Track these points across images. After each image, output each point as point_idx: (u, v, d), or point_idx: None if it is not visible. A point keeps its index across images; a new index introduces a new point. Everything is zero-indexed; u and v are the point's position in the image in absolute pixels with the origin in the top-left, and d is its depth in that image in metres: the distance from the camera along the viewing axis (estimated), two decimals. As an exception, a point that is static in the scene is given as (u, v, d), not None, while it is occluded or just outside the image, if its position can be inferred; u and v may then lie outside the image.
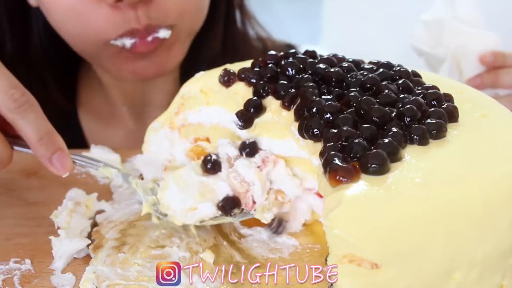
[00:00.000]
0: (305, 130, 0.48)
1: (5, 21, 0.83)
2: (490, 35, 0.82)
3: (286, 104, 0.52)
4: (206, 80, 0.59)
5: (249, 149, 0.54)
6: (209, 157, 0.55)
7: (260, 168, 0.53)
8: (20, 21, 0.84)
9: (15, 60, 0.83)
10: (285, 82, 0.53)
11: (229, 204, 0.53)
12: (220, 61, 0.64)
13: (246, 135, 0.57)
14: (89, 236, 0.55)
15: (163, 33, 0.73)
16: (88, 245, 0.53)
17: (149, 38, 0.72)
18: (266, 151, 0.54)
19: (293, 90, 0.52)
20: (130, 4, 0.68)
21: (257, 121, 0.54)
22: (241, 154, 0.54)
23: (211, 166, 0.55)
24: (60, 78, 0.88)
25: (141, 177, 0.65)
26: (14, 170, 0.67)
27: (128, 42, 0.72)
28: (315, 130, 0.47)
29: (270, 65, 0.56)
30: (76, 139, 0.89)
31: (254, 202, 0.53)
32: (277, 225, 0.55)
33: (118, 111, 0.92)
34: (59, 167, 0.53)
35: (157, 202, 0.55)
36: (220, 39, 0.90)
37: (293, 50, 0.58)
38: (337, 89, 0.51)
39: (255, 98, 0.54)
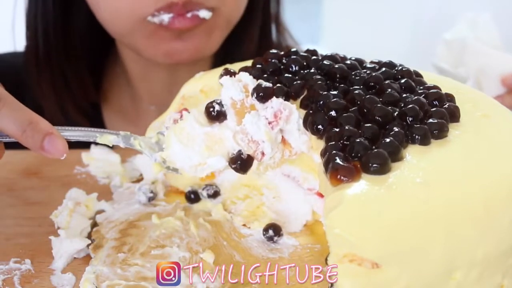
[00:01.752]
0: (309, 125, 0.48)
1: (51, 9, 0.83)
2: (511, 57, 0.85)
3: (293, 93, 0.52)
4: (207, 80, 0.59)
5: (263, 93, 0.50)
6: (212, 105, 0.51)
7: (271, 125, 0.49)
8: (64, 10, 0.84)
9: (58, 52, 0.83)
10: (290, 75, 0.53)
11: (243, 166, 0.50)
12: None
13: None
14: (89, 236, 0.55)
15: (203, 13, 0.71)
16: (88, 245, 0.53)
17: (188, 15, 0.70)
18: (280, 100, 0.49)
19: (299, 82, 0.52)
20: None
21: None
22: (252, 96, 0.50)
23: (216, 114, 0.51)
24: (91, 73, 0.88)
25: (141, 177, 0.65)
26: (14, 170, 0.67)
27: (166, 17, 0.71)
28: (319, 126, 0.47)
29: (272, 61, 0.56)
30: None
31: (263, 154, 0.50)
32: (274, 234, 0.55)
33: (143, 109, 0.92)
34: (53, 151, 0.50)
35: (164, 158, 0.52)
36: (255, 46, 0.89)
37: (294, 49, 0.58)
38: (342, 85, 0.51)
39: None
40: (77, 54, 0.86)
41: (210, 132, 0.50)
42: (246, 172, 0.51)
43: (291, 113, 0.49)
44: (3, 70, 0.91)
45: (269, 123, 0.49)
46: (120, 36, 0.79)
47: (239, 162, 0.50)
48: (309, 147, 0.51)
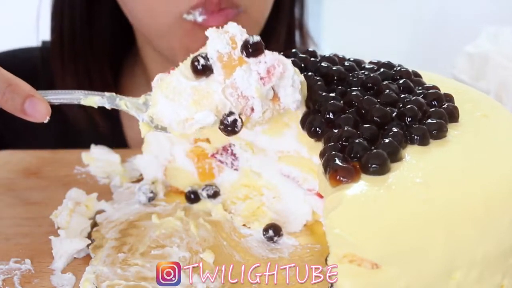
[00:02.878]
0: (306, 128, 0.48)
1: (78, 4, 0.83)
2: None
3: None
4: (206, 80, 0.59)
5: (253, 49, 0.46)
6: (197, 59, 0.48)
7: (263, 81, 0.46)
8: (89, 5, 0.84)
9: (82, 45, 0.84)
10: None
11: (231, 125, 0.48)
12: None
13: (246, 135, 0.57)
14: (89, 236, 0.55)
15: (235, 12, 0.71)
16: (88, 245, 0.53)
17: (221, 13, 0.70)
18: (273, 54, 0.47)
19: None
20: None
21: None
22: (242, 53, 0.47)
23: (202, 68, 0.47)
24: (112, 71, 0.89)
25: (141, 177, 0.65)
26: (14, 170, 0.67)
27: (199, 17, 0.71)
28: (317, 128, 0.47)
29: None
30: (115, 130, 0.89)
31: (252, 110, 0.48)
32: (274, 234, 0.55)
33: None
34: (35, 114, 0.48)
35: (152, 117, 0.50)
36: (280, 49, 0.89)
37: (294, 50, 0.58)
38: (340, 87, 0.51)
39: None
40: (101, 50, 0.86)
41: (197, 87, 0.47)
42: (234, 135, 0.49)
43: (285, 69, 0.47)
44: (16, 65, 0.92)
45: (261, 78, 0.46)
46: (156, 37, 0.79)
47: (228, 126, 0.48)
48: (298, 106, 0.49)
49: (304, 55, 0.57)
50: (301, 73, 0.54)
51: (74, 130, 0.86)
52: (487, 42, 0.93)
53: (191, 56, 0.49)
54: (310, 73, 0.53)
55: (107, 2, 0.81)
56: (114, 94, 0.52)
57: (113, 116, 0.88)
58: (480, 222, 0.40)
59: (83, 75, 0.85)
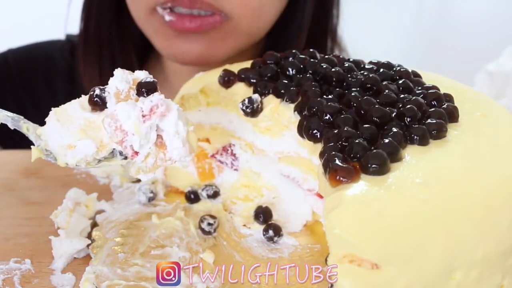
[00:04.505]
0: (304, 131, 0.48)
1: (107, 9, 0.85)
2: None
3: (287, 100, 0.52)
4: (206, 81, 0.59)
5: (146, 88, 0.46)
6: (94, 89, 0.47)
7: (144, 118, 0.45)
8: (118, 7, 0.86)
9: (110, 36, 0.86)
10: (286, 81, 0.53)
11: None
12: None
13: (246, 135, 0.57)
14: (89, 236, 0.55)
15: (213, 19, 0.70)
16: (88, 245, 0.53)
17: (195, 13, 0.70)
18: (162, 96, 0.46)
19: (294, 88, 0.52)
20: None
21: (256, 119, 0.54)
22: (138, 94, 0.47)
23: (97, 101, 0.47)
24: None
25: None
26: (14, 170, 0.67)
27: (167, 16, 0.71)
28: (315, 131, 0.47)
29: (270, 65, 0.56)
30: None
31: (135, 152, 0.47)
32: (274, 234, 0.55)
33: None
34: None
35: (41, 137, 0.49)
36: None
37: (293, 51, 0.58)
38: (338, 89, 0.51)
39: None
40: (127, 41, 0.87)
41: (89, 118, 0.47)
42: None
43: (169, 110, 0.46)
44: (39, 57, 0.96)
45: (143, 116, 0.45)
46: (141, 28, 0.80)
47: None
48: (182, 159, 0.47)
49: (303, 56, 0.57)
50: (300, 74, 0.54)
51: None
52: (509, 61, 0.94)
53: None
54: (308, 75, 0.53)
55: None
56: (21, 117, 0.51)
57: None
58: (480, 222, 0.40)
59: (107, 64, 0.86)
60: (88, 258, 0.52)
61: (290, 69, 0.54)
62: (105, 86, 0.47)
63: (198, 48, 0.74)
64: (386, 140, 0.43)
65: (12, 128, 0.51)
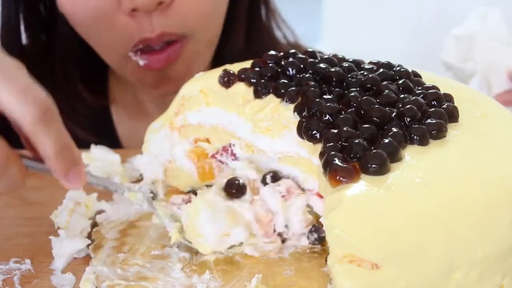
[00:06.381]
0: (304, 131, 0.48)
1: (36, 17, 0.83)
2: None
3: (287, 100, 0.52)
4: (206, 81, 0.59)
5: (271, 175, 0.55)
6: (234, 181, 0.55)
7: (285, 198, 0.53)
8: (50, 17, 0.84)
9: (48, 58, 0.84)
10: (286, 81, 0.53)
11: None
12: (244, 56, 0.63)
13: (247, 136, 0.57)
14: (89, 236, 0.55)
15: (180, 43, 0.72)
16: (88, 245, 0.53)
17: (163, 48, 0.71)
18: (289, 179, 0.54)
19: (293, 88, 0.52)
20: (145, 11, 0.67)
21: (256, 119, 0.54)
22: (264, 181, 0.55)
23: (236, 190, 0.54)
24: (89, 77, 0.88)
25: (141, 177, 0.65)
26: (14, 170, 0.67)
27: (141, 61, 0.72)
28: (314, 132, 0.47)
29: (270, 65, 0.56)
30: (108, 135, 0.89)
31: (274, 231, 0.53)
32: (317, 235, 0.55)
33: (146, 107, 0.92)
34: (75, 182, 0.47)
35: (182, 228, 0.53)
36: (243, 34, 0.89)
37: (293, 51, 0.58)
38: (337, 89, 0.51)
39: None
40: (67, 60, 0.85)
41: (232, 206, 0.53)
42: None
43: (301, 194, 0.54)
44: None
45: (283, 196, 0.53)
46: (113, 68, 0.81)
47: None
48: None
49: (303, 56, 0.57)
50: (300, 74, 0.54)
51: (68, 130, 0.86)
52: (475, 24, 0.93)
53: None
54: (308, 75, 0.53)
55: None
56: (153, 199, 0.57)
57: (101, 112, 0.89)
58: (480, 222, 0.40)
59: (64, 82, 0.84)
60: (88, 258, 0.52)
61: (290, 69, 0.54)
62: (239, 177, 0.55)
63: (178, 76, 0.75)
64: (386, 140, 0.43)
65: (146, 210, 0.56)
